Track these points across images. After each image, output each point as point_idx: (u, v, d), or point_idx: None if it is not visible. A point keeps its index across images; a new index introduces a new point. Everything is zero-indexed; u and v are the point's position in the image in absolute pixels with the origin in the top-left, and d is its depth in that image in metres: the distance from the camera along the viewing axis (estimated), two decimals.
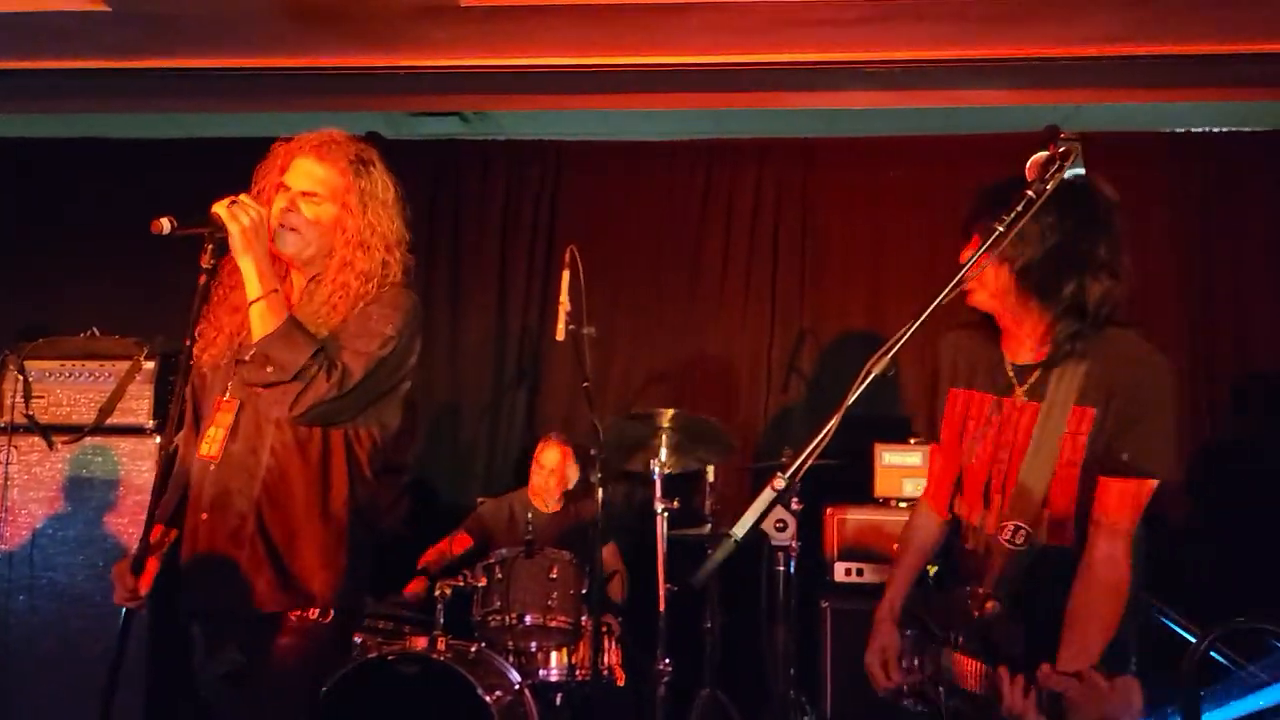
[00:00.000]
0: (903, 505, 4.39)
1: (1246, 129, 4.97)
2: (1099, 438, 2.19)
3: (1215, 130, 4.98)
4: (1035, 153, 2.17)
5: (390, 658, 3.78)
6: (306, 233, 2.57)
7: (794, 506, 4.24)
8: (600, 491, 4.01)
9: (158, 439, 4.21)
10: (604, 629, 4.19)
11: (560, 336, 4.00)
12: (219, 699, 2.58)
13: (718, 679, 4.32)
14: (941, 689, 2.34)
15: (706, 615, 4.37)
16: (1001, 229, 2.06)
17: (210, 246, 2.44)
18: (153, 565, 2.58)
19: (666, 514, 4.16)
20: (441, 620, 4.00)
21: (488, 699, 3.66)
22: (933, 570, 2.56)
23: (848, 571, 4.40)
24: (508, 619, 4.08)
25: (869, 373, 1.96)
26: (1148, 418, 2.17)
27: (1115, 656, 2.15)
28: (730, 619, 4.45)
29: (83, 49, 4.62)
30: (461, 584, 4.16)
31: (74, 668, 4.02)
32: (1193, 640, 2.63)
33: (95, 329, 4.48)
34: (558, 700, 4.19)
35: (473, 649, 3.96)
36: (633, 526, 4.84)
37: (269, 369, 2.46)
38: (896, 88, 4.71)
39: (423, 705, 3.77)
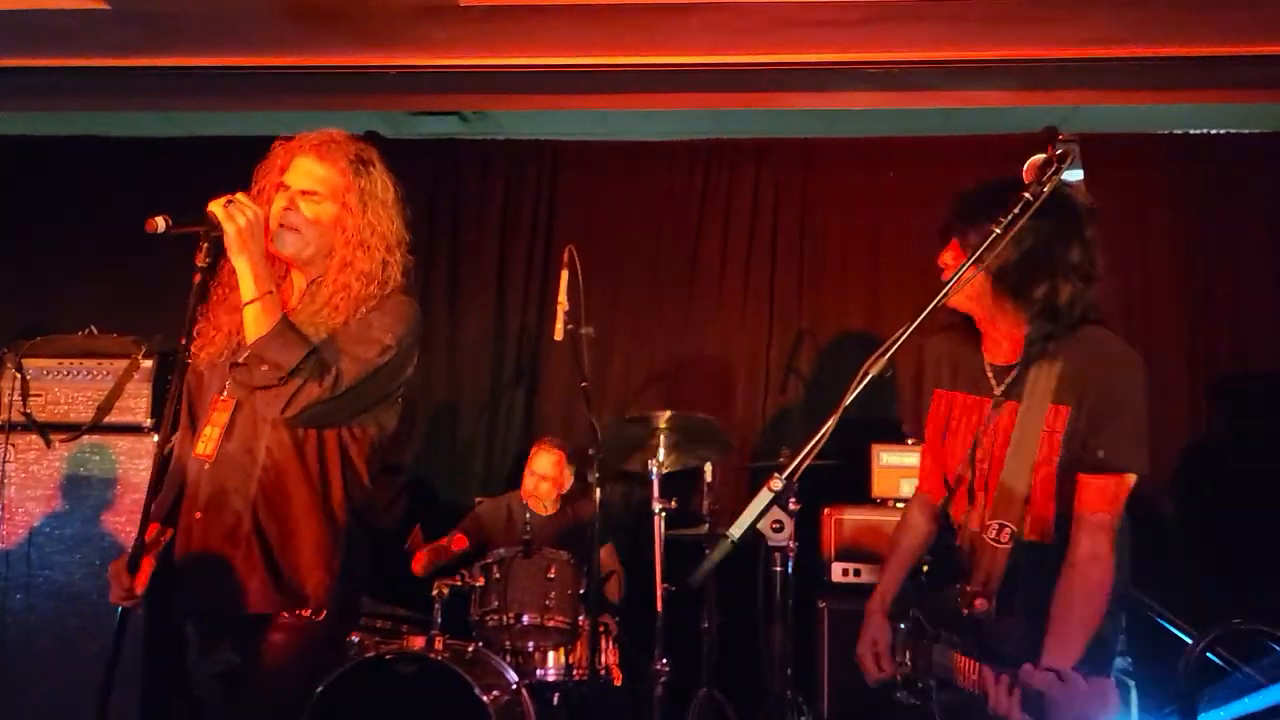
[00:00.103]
0: (900, 506, 4.39)
1: (1245, 131, 4.97)
2: (1074, 435, 2.24)
3: (1214, 132, 4.98)
4: (1033, 154, 2.19)
5: (388, 657, 3.77)
6: (306, 232, 2.56)
7: (791, 507, 4.21)
8: (598, 492, 4.01)
9: (155, 437, 4.21)
10: (601, 629, 4.19)
11: (559, 336, 4.00)
12: (213, 698, 2.57)
13: (715, 679, 4.32)
14: (933, 684, 2.38)
15: (704, 615, 4.37)
16: (999, 230, 2.08)
17: (205, 245, 2.43)
18: (148, 564, 2.57)
19: (664, 514, 4.16)
20: (439, 620, 4.00)
21: (485, 699, 3.66)
22: (926, 567, 2.60)
23: (845, 572, 4.41)
24: (505, 619, 4.08)
25: (866, 373, 1.98)
26: (1121, 414, 2.22)
27: (1100, 653, 2.24)
28: (727, 619, 4.45)
29: (82, 47, 4.62)
30: (459, 583, 4.16)
31: (71, 666, 4.02)
32: (1190, 642, 2.63)
33: (93, 327, 4.48)
34: (555, 700, 4.18)
35: (470, 648, 3.96)
36: (630, 526, 4.83)
37: (264, 368, 2.46)
38: (895, 88, 4.71)
39: (420, 705, 3.77)
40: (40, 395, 4.30)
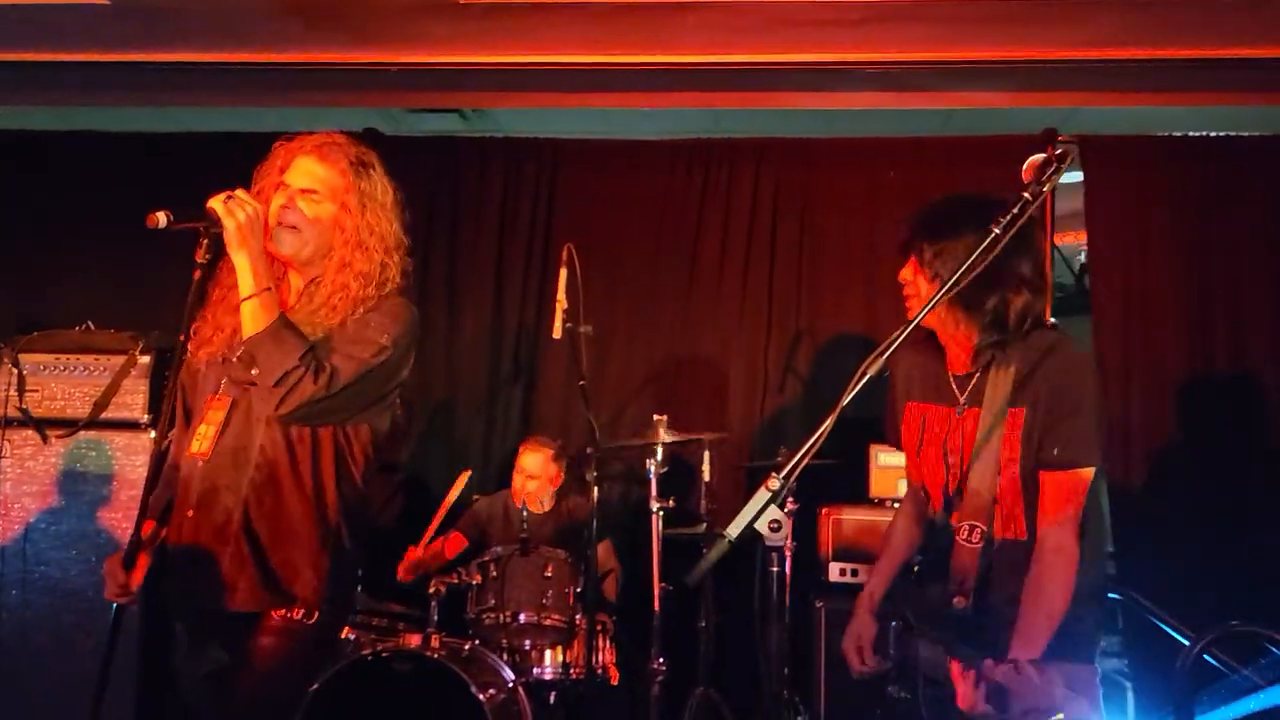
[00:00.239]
0: (897, 506, 4.38)
1: (1244, 134, 4.97)
2: (1031, 435, 2.35)
3: (1213, 135, 4.98)
4: (1033, 154, 2.21)
5: (384, 655, 3.77)
6: (305, 231, 2.57)
7: (789, 507, 4.24)
8: (595, 490, 4.01)
9: (152, 434, 4.20)
10: (599, 627, 4.20)
11: (557, 334, 4.01)
12: (202, 698, 2.57)
13: (712, 678, 4.32)
14: (921, 679, 2.48)
15: (701, 614, 4.37)
16: (998, 230, 2.11)
17: (205, 241, 2.44)
18: (144, 561, 2.57)
19: (662, 513, 4.16)
20: (435, 618, 4.00)
21: (481, 697, 3.66)
22: (917, 567, 2.70)
23: (842, 572, 4.40)
24: (502, 617, 4.08)
25: (864, 373, 2.02)
26: (1072, 413, 2.33)
27: (1077, 642, 2.33)
28: (725, 618, 4.45)
29: (81, 42, 4.61)
30: (456, 581, 4.16)
31: (66, 662, 4.02)
32: (1186, 643, 2.64)
33: (90, 323, 4.47)
34: (551, 699, 4.18)
35: (467, 647, 3.96)
36: (628, 525, 4.83)
37: (256, 368, 2.46)
38: (895, 88, 4.70)
39: (416, 703, 3.77)
40: (37, 390, 4.29)
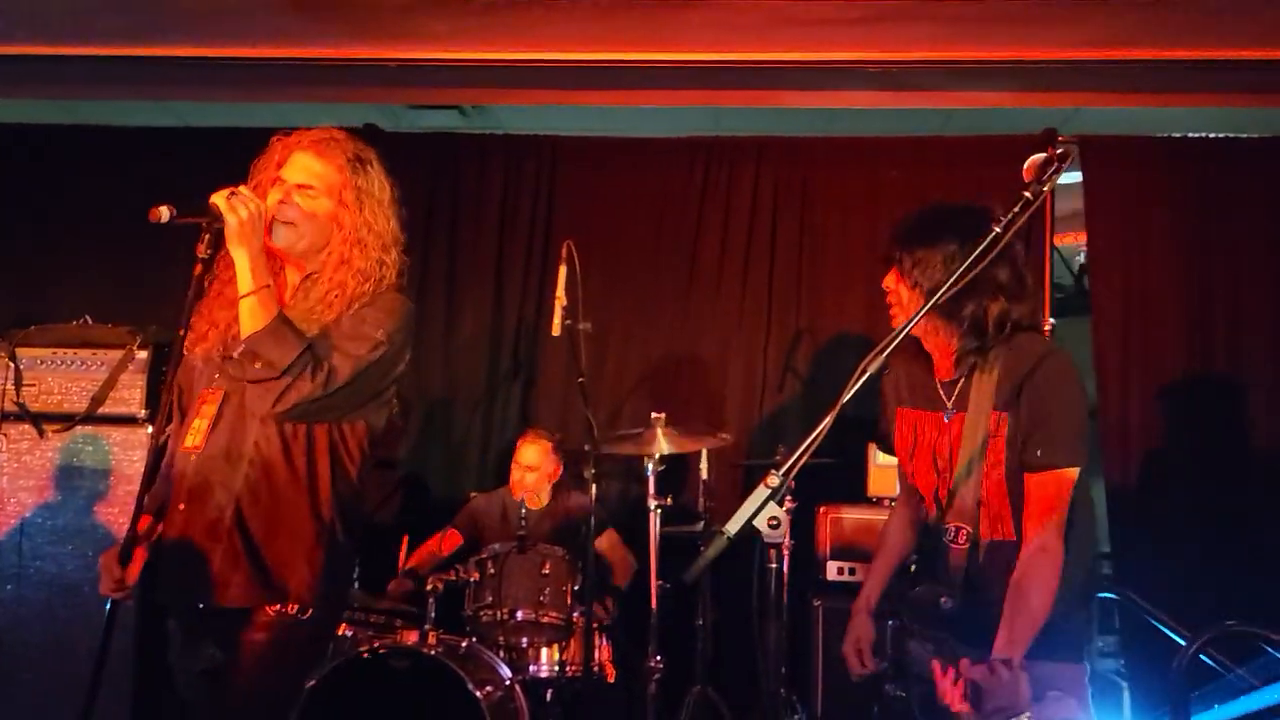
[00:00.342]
0: (893, 507, 4.39)
1: (1244, 135, 4.97)
2: (1014, 438, 2.39)
3: (1213, 136, 4.98)
4: (1033, 154, 2.22)
5: (381, 652, 3.77)
6: (301, 225, 2.57)
7: (787, 505, 4.24)
8: (594, 488, 4.01)
9: (149, 429, 4.20)
10: (595, 624, 4.19)
11: (556, 331, 4.00)
12: (197, 695, 2.57)
13: (709, 676, 4.32)
14: (914, 677, 2.51)
15: (699, 612, 4.37)
16: (999, 229, 2.12)
17: (207, 236, 2.44)
18: (140, 556, 2.57)
19: (660, 510, 4.16)
20: (433, 615, 4.00)
21: (478, 694, 3.66)
22: (913, 567, 2.76)
23: (840, 570, 4.41)
24: (499, 614, 4.08)
25: (863, 371, 2.05)
26: (1053, 414, 2.36)
27: (1064, 641, 2.37)
28: (722, 616, 4.45)
29: (79, 35, 4.60)
30: (453, 579, 4.16)
31: (61, 658, 4.02)
32: (1183, 643, 2.64)
33: (88, 317, 4.47)
34: (548, 696, 4.19)
35: (463, 644, 3.96)
36: (626, 523, 4.83)
37: (256, 365, 2.46)
38: (895, 88, 4.70)
39: (413, 700, 3.77)
40: (34, 385, 4.28)
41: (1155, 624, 3.87)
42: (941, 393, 2.54)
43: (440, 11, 4.26)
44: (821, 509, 4.48)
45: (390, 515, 5.07)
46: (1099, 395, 4.84)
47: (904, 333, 2.16)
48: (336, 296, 2.56)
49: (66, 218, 5.30)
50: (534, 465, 4.69)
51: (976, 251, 2.12)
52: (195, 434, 2.55)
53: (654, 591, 4.10)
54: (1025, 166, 2.20)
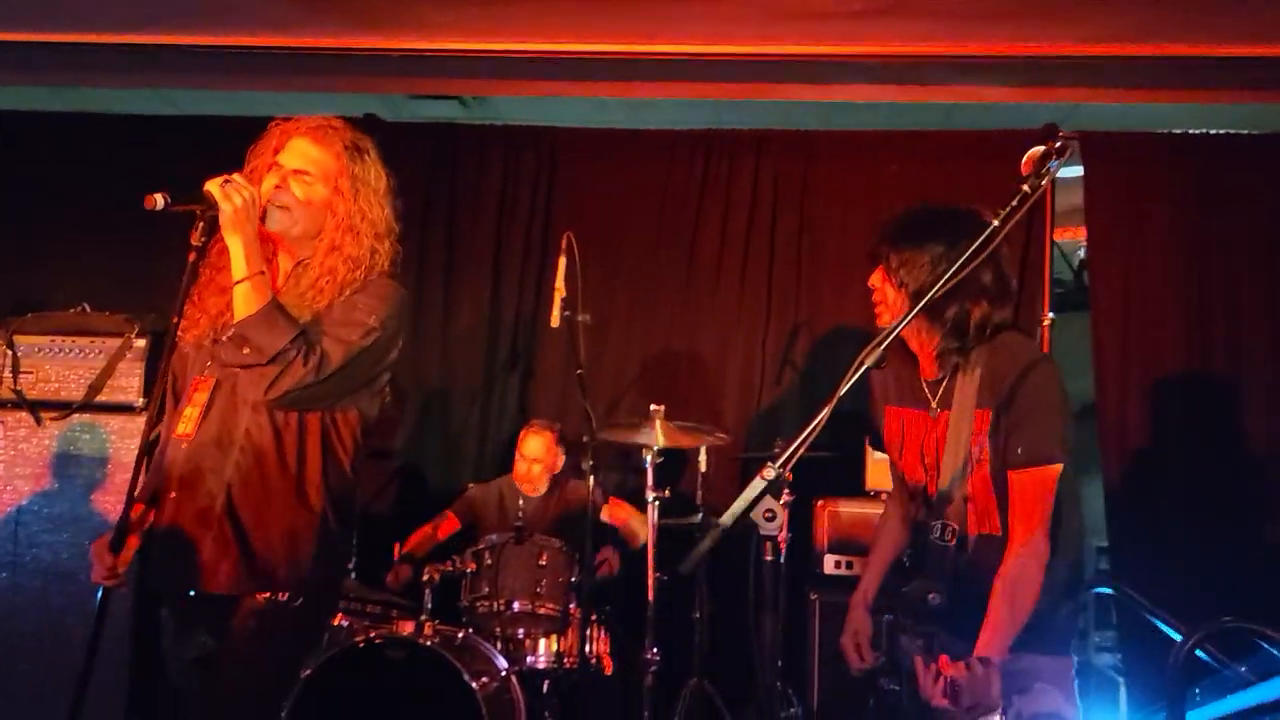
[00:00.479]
0: (885, 501, 4.39)
1: (1245, 132, 4.96)
2: (998, 435, 2.41)
3: (1214, 132, 4.97)
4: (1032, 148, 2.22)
5: (377, 642, 3.77)
6: (296, 211, 2.57)
7: (785, 498, 4.24)
8: (592, 479, 4.00)
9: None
10: (594, 619, 4.19)
11: (555, 323, 4.00)
12: (189, 683, 2.57)
13: (705, 669, 4.32)
14: (907, 673, 2.53)
15: (696, 605, 4.37)
16: (997, 223, 2.16)
17: (201, 224, 2.44)
18: (133, 543, 2.56)
19: (658, 503, 4.16)
20: (429, 605, 3.99)
21: (474, 685, 3.66)
22: (908, 563, 2.75)
23: (837, 564, 4.41)
24: (496, 605, 4.08)
25: (861, 365, 2.08)
26: (1034, 412, 2.39)
27: (1053, 638, 2.41)
28: (719, 609, 4.45)
29: (79, 23, 4.59)
30: (450, 569, 4.16)
31: (56, 645, 4.01)
32: (1179, 639, 2.64)
33: (86, 305, 4.46)
34: (545, 688, 4.19)
35: (460, 635, 3.96)
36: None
37: (246, 350, 2.46)
38: (896, 82, 4.69)
39: (409, 690, 3.77)
40: (31, 372, 4.28)
41: (1152, 620, 3.86)
42: (927, 391, 2.56)
43: (441, 2, 4.25)
44: (819, 502, 4.48)
45: (386, 506, 5.07)
46: (1097, 391, 4.84)
47: (901, 326, 2.19)
48: (328, 283, 2.55)
49: (65, 205, 5.29)
50: (539, 457, 4.69)
51: (974, 246, 2.14)
52: (187, 421, 2.54)
53: (651, 584, 4.10)
54: (1024, 160, 2.22)
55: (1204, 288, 4.85)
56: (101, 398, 4.23)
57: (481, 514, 4.76)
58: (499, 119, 5.50)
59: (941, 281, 2.16)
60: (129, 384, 4.27)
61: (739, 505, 1.99)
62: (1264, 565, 4.46)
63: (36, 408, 4.23)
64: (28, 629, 4.10)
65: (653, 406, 4.25)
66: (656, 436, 4.15)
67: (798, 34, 4.41)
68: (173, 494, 2.52)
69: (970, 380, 2.44)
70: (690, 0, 4.15)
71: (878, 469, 4.49)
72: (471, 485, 4.93)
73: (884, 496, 4.42)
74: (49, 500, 4.19)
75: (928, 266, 2.41)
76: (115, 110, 5.37)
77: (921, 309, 2.25)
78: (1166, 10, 4.06)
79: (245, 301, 2.46)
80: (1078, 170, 4.95)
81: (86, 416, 4.24)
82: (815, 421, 2.02)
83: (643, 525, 4.57)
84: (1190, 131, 4.99)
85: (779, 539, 4.20)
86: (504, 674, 3.89)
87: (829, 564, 4.42)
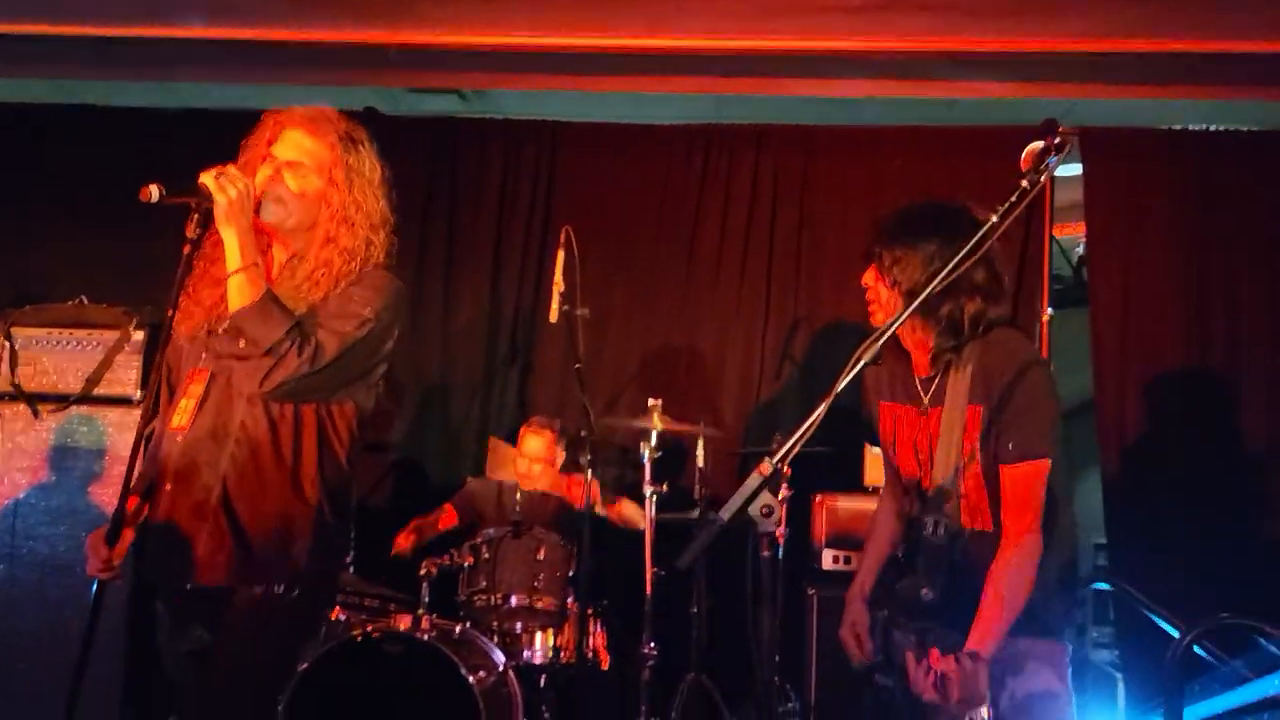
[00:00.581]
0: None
1: (1245, 128, 4.96)
2: (989, 431, 2.43)
3: (1214, 128, 4.97)
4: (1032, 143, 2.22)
5: (374, 636, 3.77)
6: (290, 203, 2.56)
7: (783, 493, 4.23)
8: (589, 473, 4.00)
9: None
10: (591, 613, 4.19)
11: (554, 317, 4.00)
12: (185, 676, 2.57)
13: (703, 664, 4.32)
14: (900, 668, 2.53)
15: (693, 600, 4.36)
16: (996, 218, 2.15)
17: (196, 216, 2.43)
18: (128, 536, 2.56)
19: (655, 497, 4.16)
20: (426, 599, 3.99)
21: (471, 679, 3.66)
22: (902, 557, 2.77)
23: (835, 559, 4.40)
24: (493, 599, 4.08)
25: (859, 360, 2.08)
26: (1025, 406, 2.40)
27: (1046, 623, 2.42)
28: (717, 604, 4.45)
29: (79, 16, 4.58)
30: (448, 563, 4.15)
31: (53, 638, 4.01)
32: (1177, 635, 2.64)
33: (84, 297, 4.46)
34: (542, 682, 4.18)
35: (457, 629, 3.96)
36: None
37: (242, 342, 2.46)
38: (896, 77, 4.68)
39: (406, 684, 3.76)
40: (29, 365, 4.28)
41: (1150, 616, 3.87)
42: (920, 388, 2.58)
43: None
44: (817, 498, 4.48)
45: (384, 499, 5.07)
46: (1096, 387, 4.84)
47: (899, 323, 2.19)
48: (323, 275, 2.54)
49: (63, 198, 5.28)
50: (539, 456, 4.69)
51: (973, 241, 2.14)
52: (182, 414, 2.54)
53: (649, 579, 4.10)
54: (1023, 155, 2.21)
55: (1203, 283, 4.85)
56: (99, 390, 4.23)
57: (481, 508, 4.76)
58: (499, 113, 5.49)
59: (939, 278, 2.15)
60: (126, 377, 4.27)
61: (737, 500, 1.99)
62: (1262, 561, 4.47)
63: (34, 400, 4.23)
64: (25, 622, 4.10)
65: (650, 401, 4.25)
66: (654, 431, 4.16)
67: (798, 29, 4.40)
68: (168, 487, 2.51)
69: (962, 377, 2.46)
70: None
71: (876, 464, 4.48)
72: (471, 479, 4.93)
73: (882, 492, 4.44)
74: (46, 493, 4.19)
75: (921, 265, 2.43)
76: (115, 103, 5.36)
77: (916, 307, 2.24)
78: (1166, 6, 4.06)
79: (240, 293, 2.45)
80: (1077, 167, 4.95)
81: (84, 409, 4.24)
82: (812, 417, 2.02)
83: (637, 512, 4.58)
84: (1190, 127, 4.99)
85: (777, 534, 4.18)
86: (501, 668, 3.89)
87: (827, 559, 4.41)
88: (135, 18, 4.57)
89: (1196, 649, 2.76)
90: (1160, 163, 4.97)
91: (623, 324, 5.26)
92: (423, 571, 4.05)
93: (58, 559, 4.14)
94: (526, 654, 4.13)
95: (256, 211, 2.51)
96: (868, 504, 4.41)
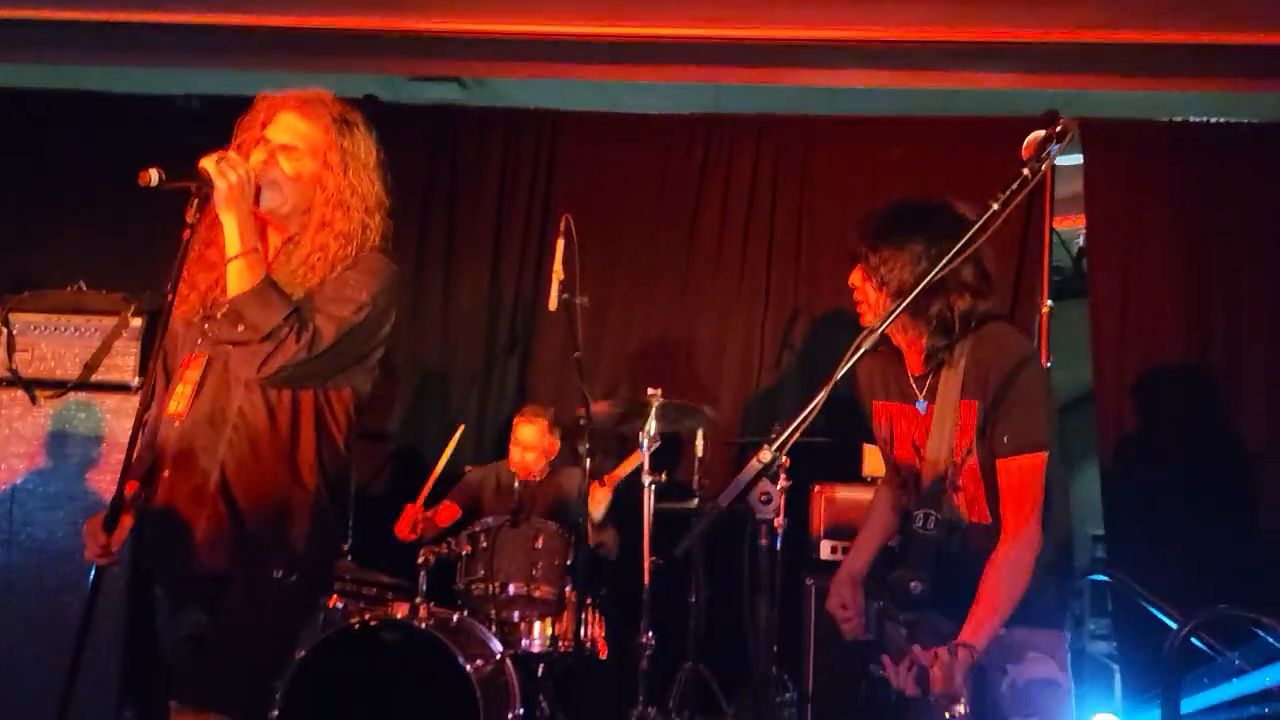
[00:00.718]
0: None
1: (1245, 120, 4.95)
2: (984, 425, 2.42)
3: (1215, 120, 4.96)
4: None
5: (372, 624, 3.77)
6: (285, 187, 2.54)
7: (781, 483, 4.23)
8: (588, 462, 4.00)
9: None
10: (589, 602, 4.19)
11: (553, 306, 3.99)
12: (183, 661, 2.57)
13: (700, 653, 4.32)
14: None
15: (691, 589, 4.37)
16: (997, 206, 2.14)
17: (196, 201, 2.41)
18: (126, 522, 2.55)
19: (653, 487, 4.16)
20: (424, 587, 3.99)
21: (468, 668, 3.66)
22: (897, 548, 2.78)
23: (834, 550, 4.40)
24: (491, 588, 4.08)
25: (858, 349, 2.10)
26: (1018, 401, 2.39)
27: (1043, 612, 2.42)
28: (715, 594, 4.45)
29: (79, 1, 4.57)
30: (446, 551, 4.16)
31: (51, 624, 4.01)
32: (1174, 627, 2.64)
33: (82, 283, 4.45)
34: (540, 671, 4.19)
35: (455, 617, 3.96)
36: (620, 499, 4.82)
37: (240, 327, 2.45)
38: (897, 67, 4.68)
39: (403, 673, 3.77)
40: (27, 351, 4.26)
41: (1147, 607, 3.87)
42: (914, 385, 2.57)
43: None
44: (815, 488, 4.47)
45: (382, 488, 5.07)
46: (1095, 379, 4.84)
47: (897, 314, 2.21)
48: (319, 259, 2.53)
49: (62, 184, 5.27)
50: (532, 444, 4.68)
51: (971, 230, 2.14)
52: (179, 399, 2.53)
53: (647, 568, 4.10)
54: (1024, 144, 2.21)
55: (1203, 276, 4.84)
56: (97, 376, 4.22)
57: (481, 496, 4.77)
58: (499, 101, 5.48)
59: (940, 266, 2.16)
60: (125, 363, 4.26)
61: (735, 487, 1.99)
62: (1259, 553, 4.47)
63: (32, 386, 4.21)
64: (23, 608, 4.09)
65: (649, 390, 4.25)
66: (653, 420, 4.15)
67: (799, 18, 4.40)
68: (166, 472, 2.51)
69: (955, 373, 2.45)
70: None
71: (874, 455, 4.48)
72: (470, 468, 4.93)
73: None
74: (44, 479, 4.19)
75: (908, 265, 2.42)
76: (115, 89, 5.34)
77: (908, 303, 2.24)
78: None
79: (239, 278, 2.44)
80: (1077, 158, 4.94)
81: (82, 395, 4.23)
82: (811, 406, 2.02)
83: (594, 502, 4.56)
84: (1190, 119, 4.98)
85: (775, 524, 4.18)
86: (499, 657, 3.89)
87: (825, 549, 4.41)
88: (134, 3, 4.57)
89: (1194, 640, 2.76)
90: (1161, 155, 4.96)
91: (622, 313, 5.26)
92: (421, 560, 4.05)
93: (55, 545, 4.14)
94: (524, 643, 4.13)
95: (256, 199, 2.50)
96: (866, 494, 4.40)
